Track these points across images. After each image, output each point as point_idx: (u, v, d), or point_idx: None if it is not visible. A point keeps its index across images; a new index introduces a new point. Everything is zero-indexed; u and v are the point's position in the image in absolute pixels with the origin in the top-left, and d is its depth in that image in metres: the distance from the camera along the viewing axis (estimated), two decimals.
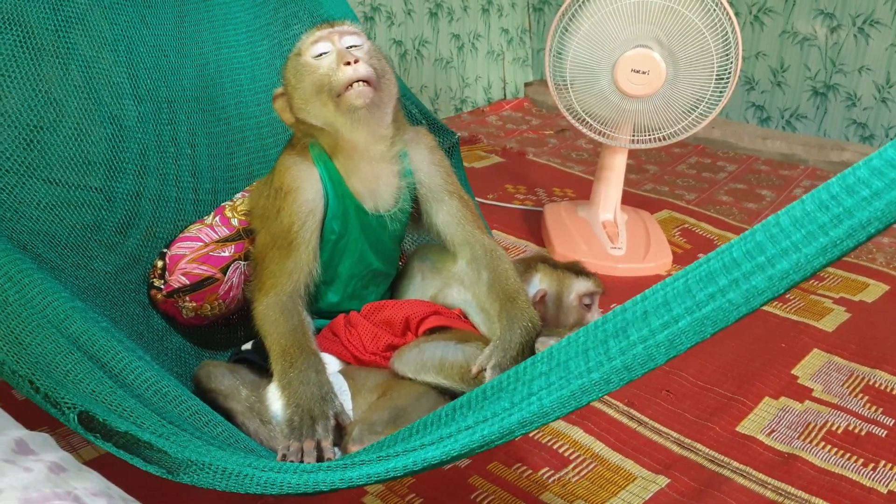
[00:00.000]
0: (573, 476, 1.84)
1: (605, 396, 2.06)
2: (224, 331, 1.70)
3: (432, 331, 1.47)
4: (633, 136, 2.76)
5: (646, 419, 2.04)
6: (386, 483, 1.77)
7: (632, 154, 3.50)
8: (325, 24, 1.48)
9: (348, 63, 1.38)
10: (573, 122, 2.75)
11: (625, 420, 2.03)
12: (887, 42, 3.78)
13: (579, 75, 2.66)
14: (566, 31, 2.64)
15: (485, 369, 1.33)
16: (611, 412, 2.05)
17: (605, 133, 2.76)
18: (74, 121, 1.49)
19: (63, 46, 1.49)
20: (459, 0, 4.22)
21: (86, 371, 1.09)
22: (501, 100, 4.64)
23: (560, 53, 2.66)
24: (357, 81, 1.37)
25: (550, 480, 1.82)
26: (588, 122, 2.74)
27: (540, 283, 1.60)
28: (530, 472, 1.85)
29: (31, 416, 1.13)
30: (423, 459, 1.01)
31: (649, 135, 2.73)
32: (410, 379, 1.39)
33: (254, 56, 1.84)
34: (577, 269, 1.64)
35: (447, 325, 1.48)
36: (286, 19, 1.88)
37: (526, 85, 4.76)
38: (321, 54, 1.43)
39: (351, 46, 1.43)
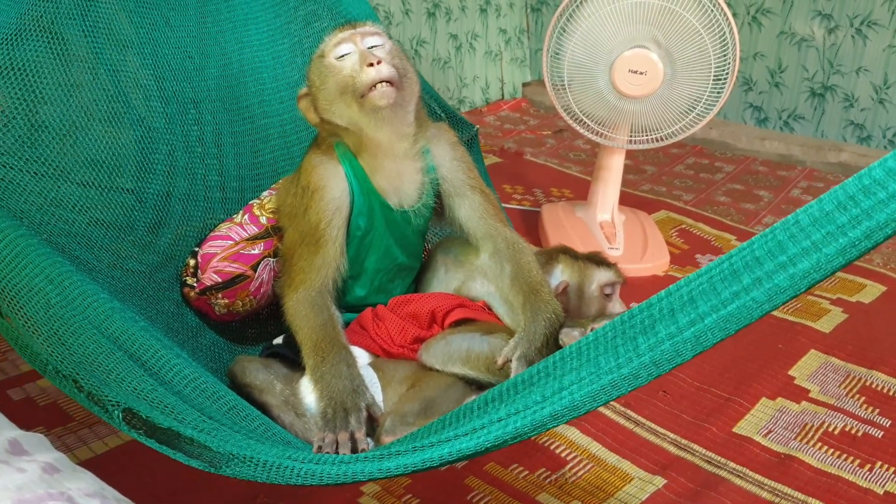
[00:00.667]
0: (570, 477, 1.84)
1: None
2: (255, 326, 1.72)
3: (458, 323, 1.49)
4: (631, 136, 2.76)
5: (643, 420, 2.04)
6: (382, 483, 1.77)
7: (629, 154, 3.50)
8: (348, 25, 1.49)
9: (371, 64, 1.39)
10: (571, 122, 2.75)
11: (622, 421, 2.03)
12: (885, 43, 3.78)
13: (577, 76, 2.66)
14: (564, 31, 2.64)
15: (510, 360, 1.35)
16: (608, 413, 2.05)
17: (602, 133, 2.76)
18: (104, 124, 1.52)
19: (91, 52, 1.52)
20: (457, 0, 4.22)
21: (127, 370, 1.12)
22: (499, 100, 4.64)
23: (558, 54, 2.66)
24: (380, 82, 1.39)
25: (547, 481, 1.82)
26: (586, 122, 2.74)
27: (562, 274, 1.62)
28: (527, 472, 1.85)
29: (27, 417, 1.14)
30: (458, 450, 1.03)
31: (647, 135, 2.73)
32: (438, 370, 1.41)
33: (275, 55, 1.86)
34: (597, 260, 1.65)
35: (472, 317, 1.50)
36: (306, 17, 1.90)
37: (524, 85, 4.76)
38: (344, 55, 1.44)
39: (373, 47, 1.44)
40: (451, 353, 1.41)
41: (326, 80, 1.45)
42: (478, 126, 2.10)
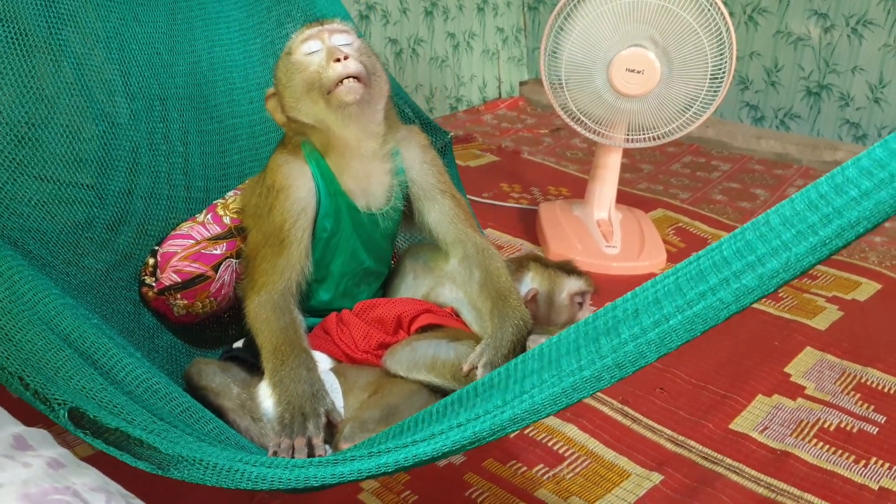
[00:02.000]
0: (568, 473, 1.85)
1: (599, 394, 2.08)
2: (215, 329, 1.70)
3: (424, 329, 1.48)
4: (628, 135, 2.77)
5: (640, 416, 2.05)
6: (380, 479, 1.78)
7: (626, 153, 3.52)
8: (315, 22, 1.49)
9: (338, 60, 1.38)
10: (568, 121, 2.76)
11: (619, 417, 2.04)
12: (880, 42, 3.79)
13: (574, 74, 2.67)
14: (561, 30, 2.65)
15: (476, 367, 1.34)
16: (605, 410, 2.07)
17: (599, 132, 2.77)
18: (66, 118, 1.49)
19: (55, 43, 1.49)
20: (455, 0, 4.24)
21: (76, 368, 1.09)
22: (497, 99, 4.65)
23: (555, 53, 2.67)
24: (347, 78, 1.38)
25: (545, 477, 1.84)
26: (583, 121, 2.75)
27: (531, 281, 1.61)
28: (525, 469, 1.86)
29: (29, 413, 1.14)
30: (414, 455, 1.01)
31: (644, 134, 2.74)
32: (402, 377, 1.40)
33: (247, 54, 1.84)
34: (568, 269, 1.65)
35: (439, 323, 1.49)
36: (279, 18, 1.89)
37: (521, 84, 4.77)
38: (311, 52, 1.44)
39: (341, 45, 1.44)
40: (416, 359, 1.39)
41: (293, 76, 1.44)
42: (452, 133, 2.09)
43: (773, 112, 4.18)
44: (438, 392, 1.37)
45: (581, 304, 1.63)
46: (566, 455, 1.91)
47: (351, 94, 1.38)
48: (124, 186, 1.58)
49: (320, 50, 1.43)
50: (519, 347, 1.37)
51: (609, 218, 2.94)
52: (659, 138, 2.75)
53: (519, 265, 1.63)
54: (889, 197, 0.82)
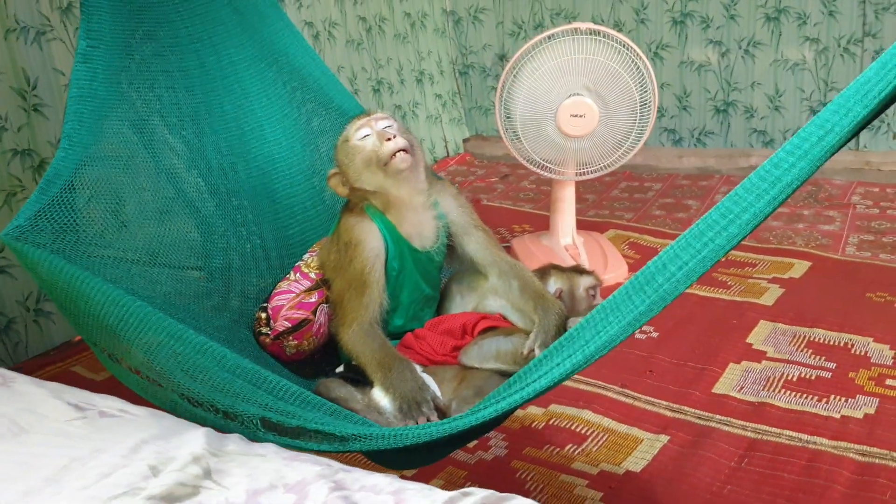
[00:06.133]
0: (593, 447, 2.24)
1: (603, 381, 2.50)
2: (312, 365, 2.04)
3: (484, 331, 1.86)
4: (577, 169, 3.23)
5: (639, 395, 2.46)
6: (443, 475, 2.14)
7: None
8: (363, 115, 1.90)
9: (389, 139, 1.79)
10: (528, 165, 3.22)
11: (622, 398, 2.45)
12: (770, 59, 4.38)
13: (528, 127, 3.13)
14: (510, 95, 3.11)
15: (533, 350, 1.74)
16: (610, 394, 2.47)
17: (555, 170, 3.22)
18: (177, 220, 1.91)
19: (152, 163, 1.92)
20: (396, 75, 4.69)
21: (250, 391, 1.47)
22: (445, 157, 5.10)
23: (508, 114, 3.14)
24: (398, 151, 1.78)
25: (575, 453, 2.22)
26: (541, 164, 3.20)
27: (555, 283, 2.01)
28: (558, 449, 2.24)
29: None
30: (533, 391, 1.41)
31: (591, 167, 3.21)
32: (477, 368, 1.78)
33: (290, 148, 2.24)
34: (579, 270, 2.06)
35: (494, 324, 1.88)
36: (308, 114, 2.31)
37: (464, 141, 5.24)
38: (364, 136, 1.84)
39: (385, 127, 1.85)
40: (484, 353, 1.79)
41: (354, 157, 1.84)
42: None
43: (689, 133, 4.72)
44: (506, 375, 1.75)
45: (594, 296, 2.03)
46: (587, 434, 2.30)
47: (404, 162, 1.78)
48: (223, 264, 1.98)
49: (371, 134, 1.83)
50: (562, 329, 1.77)
51: (573, 242, 3.38)
52: (605, 168, 3.22)
53: (542, 273, 2.03)
54: (807, 165, 1.27)
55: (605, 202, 4.25)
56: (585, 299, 1.99)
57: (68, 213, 1.63)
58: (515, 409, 1.46)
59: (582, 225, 3.73)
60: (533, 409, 2.41)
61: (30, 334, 2.83)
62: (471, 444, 2.25)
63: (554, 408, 2.42)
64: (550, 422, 2.37)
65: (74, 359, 2.86)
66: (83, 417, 1.27)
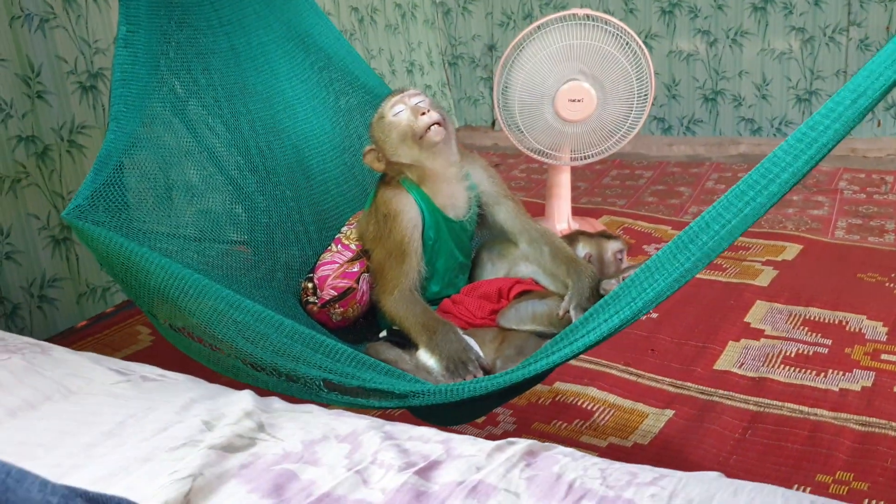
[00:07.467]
0: (601, 421, 2.29)
1: (607, 360, 2.55)
2: (355, 331, 2.10)
3: (519, 295, 1.92)
4: (572, 154, 3.28)
5: (642, 372, 2.51)
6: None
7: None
8: (396, 92, 1.95)
9: (423, 113, 1.84)
10: (527, 151, 3.26)
11: (626, 376, 2.50)
12: (758, 48, 4.45)
13: (526, 113, 3.17)
14: (507, 84, 3.15)
15: (569, 311, 1.80)
16: (615, 372, 2.52)
17: (551, 155, 3.27)
18: (221, 196, 2.01)
19: (194, 143, 2.00)
20: (388, 65, 4.73)
21: (311, 355, 1.54)
22: None
23: (506, 103, 3.18)
24: (433, 124, 1.83)
25: (584, 427, 2.27)
26: (540, 149, 3.25)
27: (583, 248, 2.06)
28: (566, 424, 2.29)
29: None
30: (584, 345, 1.49)
31: (586, 152, 3.26)
32: (515, 330, 1.84)
33: (320, 126, 2.30)
34: (606, 235, 2.11)
35: (529, 288, 1.94)
36: (336, 94, 2.37)
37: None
38: (398, 112, 1.89)
39: (418, 102, 1.89)
40: (521, 315, 1.85)
41: (390, 133, 1.89)
42: None
43: (678, 121, 4.78)
44: (542, 336, 1.81)
45: (621, 259, 2.08)
46: (594, 410, 2.35)
47: (438, 135, 1.83)
48: (266, 238, 2.06)
49: (405, 110, 1.88)
50: (595, 292, 1.83)
51: (569, 227, 3.43)
52: (600, 154, 3.27)
53: (571, 240, 2.07)
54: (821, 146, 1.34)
55: (597, 189, 4.31)
56: (613, 263, 2.04)
57: (121, 192, 1.68)
58: (565, 362, 1.53)
59: (576, 212, 3.78)
60: (538, 386, 2.45)
61: (34, 320, 2.84)
62: (479, 420, 2.29)
63: (559, 385, 2.46)
64: (556, 398, 2.41)
65: (78, 345, 2.87)
66: (127, 381, 1.31)
